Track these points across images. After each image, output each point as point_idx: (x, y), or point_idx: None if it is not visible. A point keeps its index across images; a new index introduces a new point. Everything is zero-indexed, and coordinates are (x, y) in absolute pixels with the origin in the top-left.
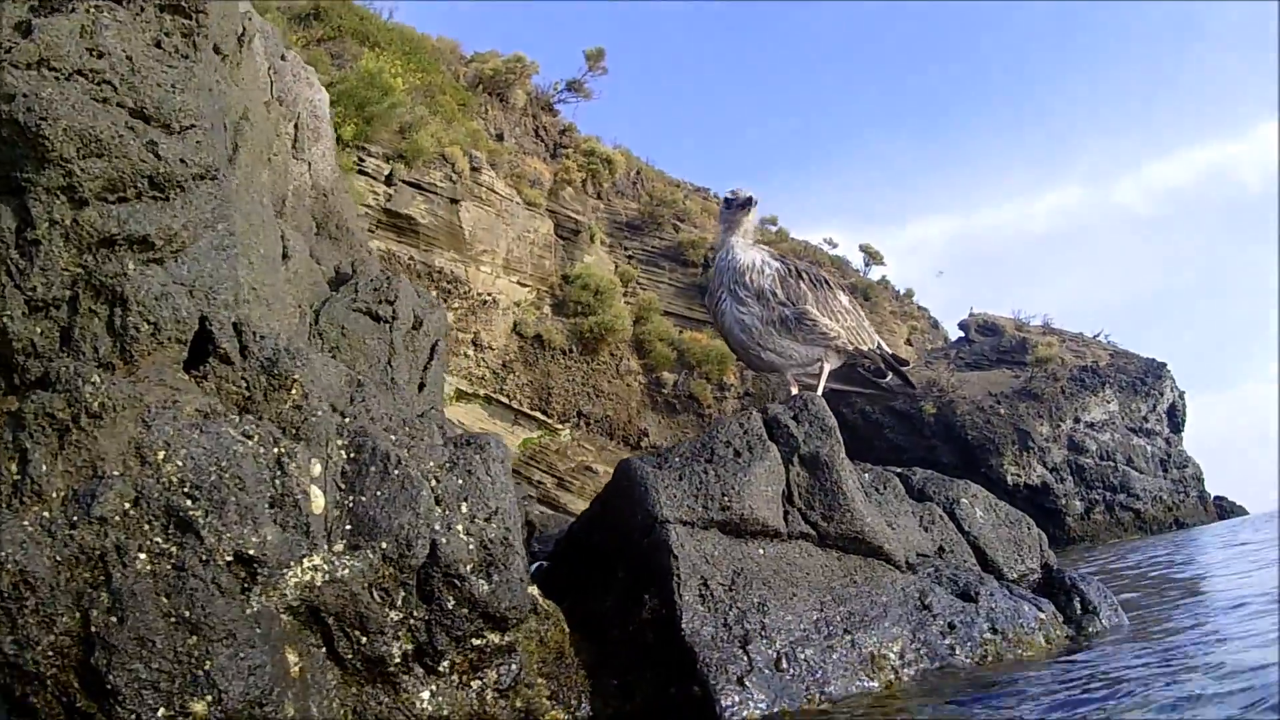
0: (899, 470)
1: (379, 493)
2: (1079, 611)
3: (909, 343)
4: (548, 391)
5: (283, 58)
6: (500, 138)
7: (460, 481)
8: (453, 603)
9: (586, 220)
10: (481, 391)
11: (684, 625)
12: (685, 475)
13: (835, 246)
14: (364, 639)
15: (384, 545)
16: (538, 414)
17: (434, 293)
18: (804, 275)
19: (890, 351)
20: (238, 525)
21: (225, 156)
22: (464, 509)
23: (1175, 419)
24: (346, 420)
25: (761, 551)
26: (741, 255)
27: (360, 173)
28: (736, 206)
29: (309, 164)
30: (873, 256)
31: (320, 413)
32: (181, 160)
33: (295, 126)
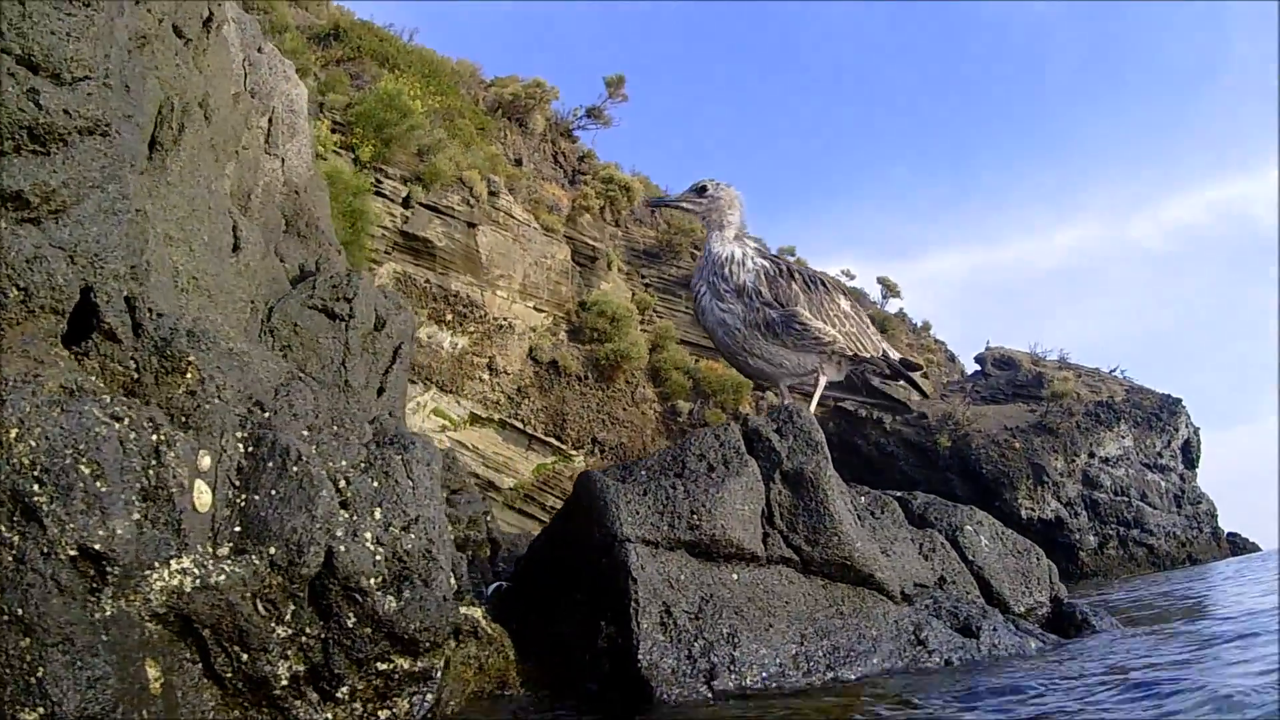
0: (899, 494)
1: (274, 492)
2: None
3: (925, 376)
4: (562, 417)
5: (260, 50)
6: (519, 163)
7: (375, 484)
8: (353, 620)
9: (604, 247)
10: (496, 416)
11: (641, 656)
12: (650, 491)
13: (853, 278)
14: (245, 656)
15: (272, 551)
16: (552, 440)
17: (450, 316)
18: (796, 275)
19: (899, 357)
20: (83, 516)
21: (124, 116)
22: (377, 515)
23: (1189, 455)
24: (265, 415)
25: (735, 577)
26: (719, 247)
27: (377, 194)
28: (694, 194)
29: (282, 160)
30: (890, 289)
31: (216, 401)
32: (65, 111)
33: (270, 121)
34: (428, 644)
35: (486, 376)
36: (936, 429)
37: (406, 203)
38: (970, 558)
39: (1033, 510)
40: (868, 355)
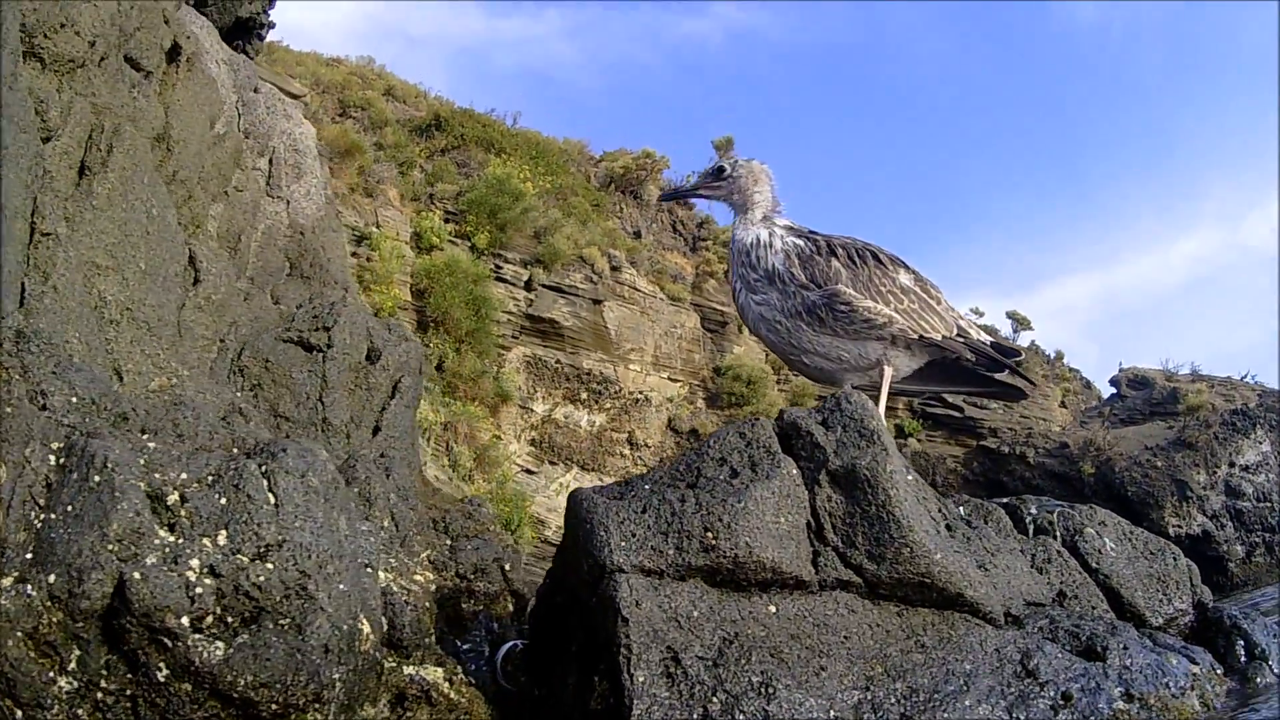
0: (1005, 500)
1: (69, 508)
2: (1243, 659)
3: (1063, 405)
4: None
5: (256, 90)
6: (638, 235)
7: (223, 501)
8: (165, 672)
9: (733, 310)
10: None
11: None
12: (652, 506)
13: (982, 315)
14: (19, 713)
15: (51, 579)
16: None
17: (585, 394)
18: (838, 250)
19: (985, 339)
20: None
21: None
22: (220, 539)
23: None
24: (98, 424)
25: (773, 610)
26: (742, 232)
27: (498, 279)
28: (710, 177)
29: (287, 201)
30: (1020, 322)
31: (27, 406)
32: None
33: (270, 162)
34: (276, 706)
35: (627, 451)
36: (1079, 456)
37: (529, 285)
38: (1094, 565)
39: (1179, 527)
40: (936, 336)
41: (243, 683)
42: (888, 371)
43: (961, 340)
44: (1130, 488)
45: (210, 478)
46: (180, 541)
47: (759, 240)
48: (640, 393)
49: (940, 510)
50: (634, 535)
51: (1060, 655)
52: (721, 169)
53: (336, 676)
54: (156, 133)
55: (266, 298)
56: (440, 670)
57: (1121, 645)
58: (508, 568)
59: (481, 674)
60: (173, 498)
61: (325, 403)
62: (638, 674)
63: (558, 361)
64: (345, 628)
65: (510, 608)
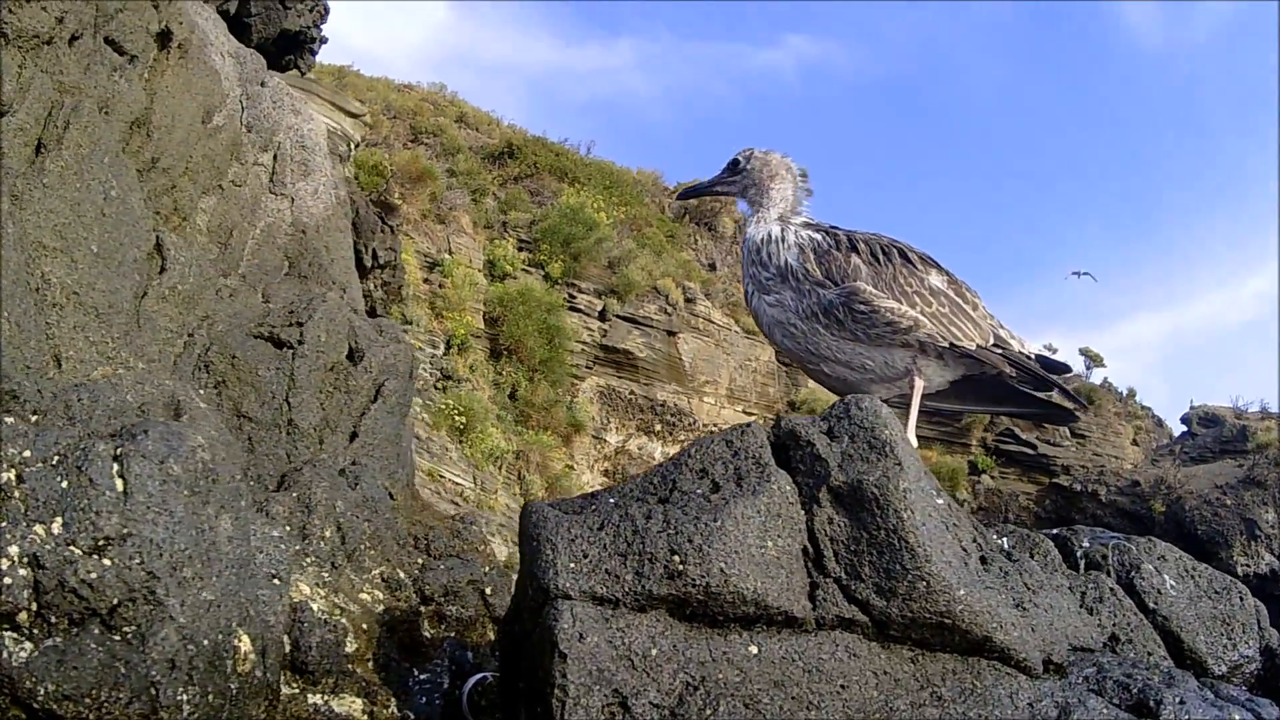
0: (1055, 531)
1: None
2: None
3: (1135, 443)
4: None
5: (262, 84)
6: (712, 267)
7: (63, 484)
8: None
9: None
10: None
11: None
12: (611, 523)
13: (1055, 352)
14: None
15: None
16: None
17: (659, 426)
18: (859, 245)
19: (1030, 351)
20: None
21: None
22: (55, 527)
23: None
24: None
25: (754, 651)
26: (755, 229)
27: (572, 309)
28: (726, 172)
29: (291, 199)
30: (1093, 359)
31: None
32: None
33: (275, 158)
34: None
35: None
36: (1150, 495)
37: (603, 316)
38: (1152, 605)
39: (1248, 566)
40: (969, 345)
41: (43, 692)
42: (918, 383)
43: (999, 351)
44: (1200, 526)
45: (56, 458)
46: (2, 525)
47: (770, 236)
48: (714, 425)
49: (976, 540)
50: (585, 556)
51: (1105, 711)
52: (736, 162)
53: (185, 698)
54: (134, 117)
55: (257, 296)
56: (360, 702)
57: (1178, 699)
58: (488, 591)
59: (433, 709)
60: (7, 476)
61: (292, 403)
62: None
63: (631, 392)
64: (207, 643)
65: (490, 635)
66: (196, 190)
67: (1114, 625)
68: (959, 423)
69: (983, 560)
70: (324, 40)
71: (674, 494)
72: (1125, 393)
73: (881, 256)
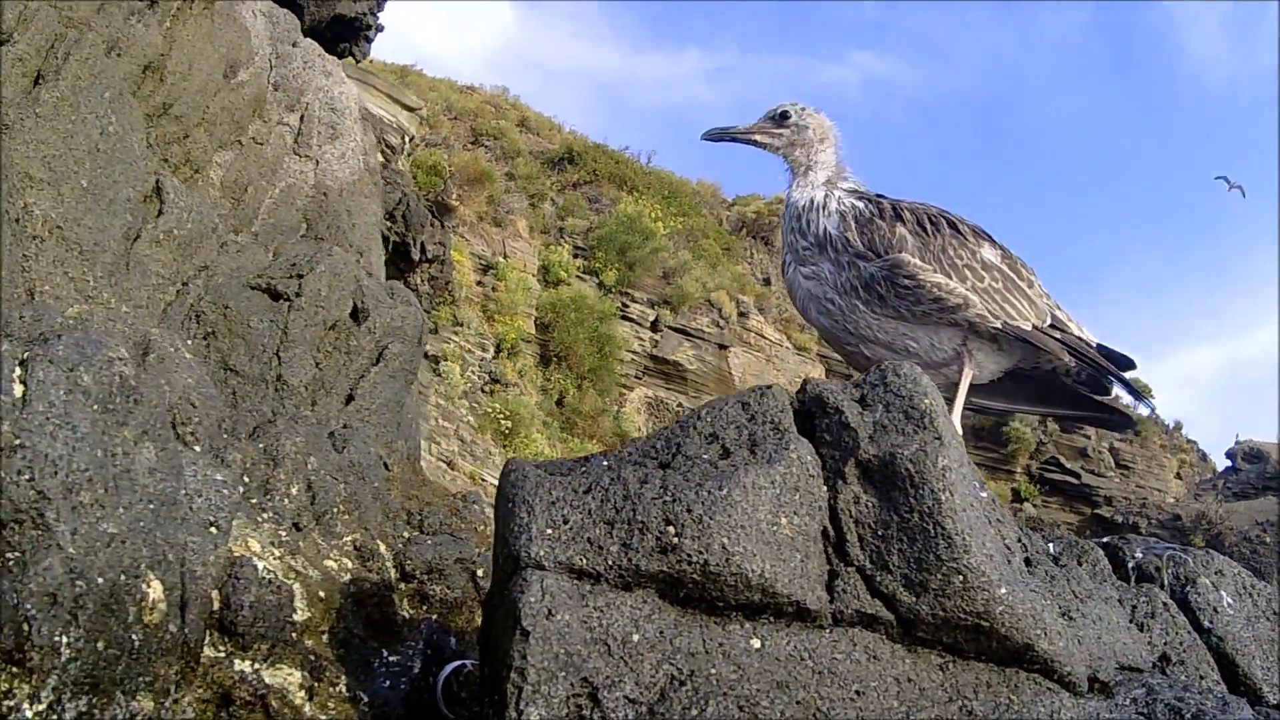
0: (1106, 540)
1: None
2: None
3: (1179, 476)
4: None
5: (294, 44)
6: (767, 282)
7: None
8: None
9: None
10: None
11: None
12: (600, 486)
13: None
14: None
15: None
16: None
17: None
18: (904, 214)
19: (1089, 339)
20: None
21: None
22: None
23: None
24: None
25: (756, 645)
26: (799, 193)
27: (624, 318)
28: (771, 122)
29: (316, 161)
30: (1142, 390)
31: None
32: None
33: (302, 119)
34: None
35: None
36: (1190, 529)
37: (655, 326)
38: (1207, 624)
39: None
40: (1025, 325)
41: None
42: (968, 370)
43: (1058, 336)
44: (1238, 563)
45: None
46: None
47: (813, 202)
48: None
49: (1021, 540)
50: (566, 522)
51: None
52: (786, 114)
53: (64, 640)
54: (148, 61)
55: (267, 254)
56: (300, 675)
57: None
58: (480, 573)
59: (395, 694)
60: None
61: (283, 358)
62: (529, 712)
63: (679, 404)
64: (102, 581)
65: (479, 621)
66: (212, 143)
67: (1165, 644)
68: (1004, 449)
69: (1027, 562)
70: (380, 29)
71: (677, 459)
72: (1172, 425)
73: (929, 226)
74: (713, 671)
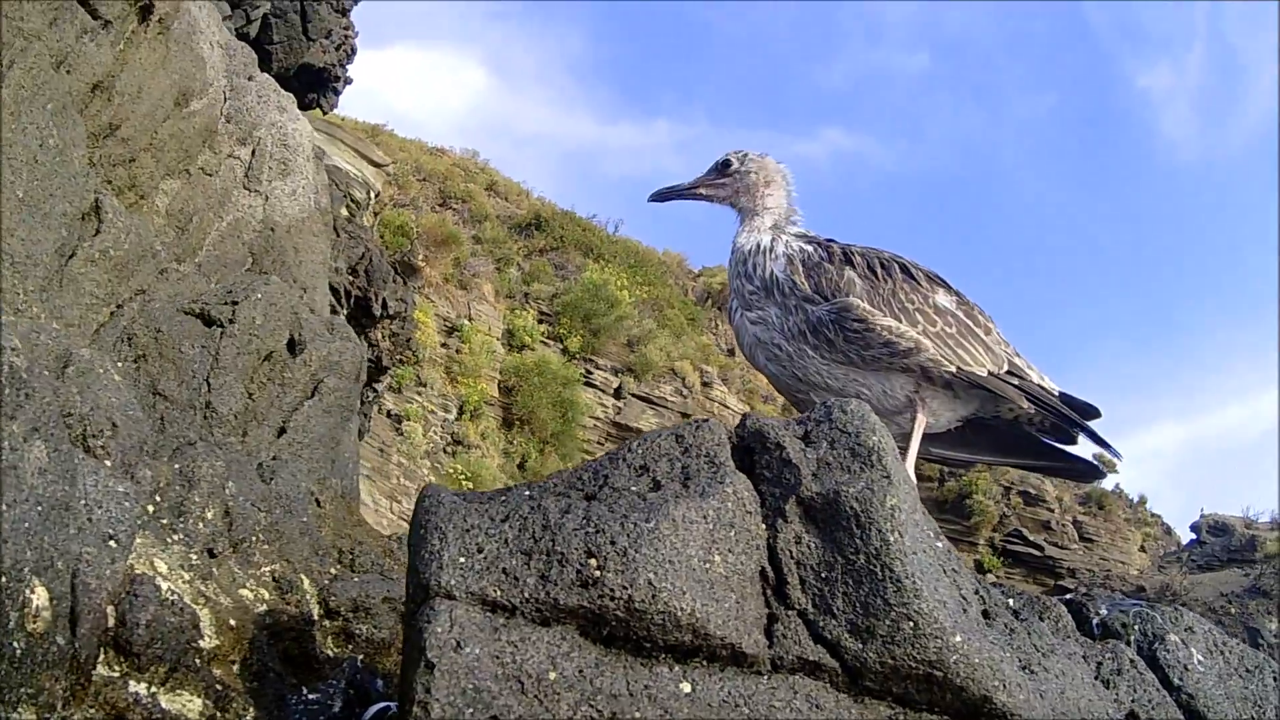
0: (1069, 597)
1: None
2: None
3: (1143, 549)
4: None
5: (250, 78)
6: (731, 353)
7: None
8: None
9: None
10: None
11: None
12: (518, 515)
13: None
14: None
15: None
16: None
17: None
18: (854, 258)
19: (1050, 387)
20: None
21: None
22: None
23: None
24: None
25: (685, 690)
26: (744, 238)
27: (587, 384)
28: (714, 174)
29: (265, 196)
30: (1106, 465)
31: None
32: None
33: (253, 154)
34: None
35: None
36: (1155, 601)
37: (618, 393)
38: (1177, 681)
39: None
40: (980, 371)
41: None
42: (920, 418)
43: (1016, 383)
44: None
45: None
46: None
47: (759, 246)
48: None
49: (979, 592)
50: (480, 550)
51: None
52: (728, 163)
53: None
54: (97, 80)
55: (210, 286)
56: (201, 703)
57: None
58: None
59: None
60: None
61: (212, 384)
62: None
63: None
64: None
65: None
66: (159, 170)
67: (1133, 701)
68: (967, 521)
69: (985, 614)
70: (349, 81)
71: (603, 490)
72: (1136, 499)
73: (880, 270)
74: (637, 715)
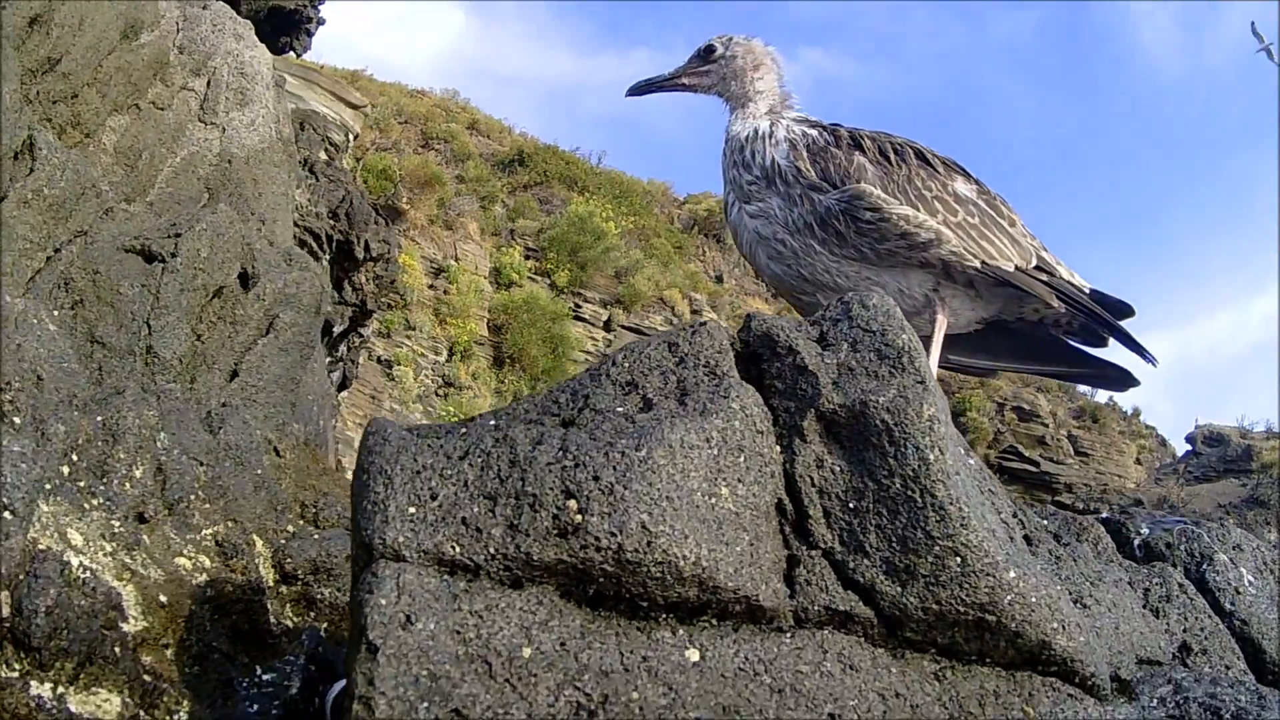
0: (1107, 516)
1: None
2: None
3: (1138, 462)
4: None
5: (205, 6)
6: (719, 279)
7: None
8: None
9: None
10: None
11: None
12: (479, 450)
13: None
14: None
15: None
16: None
17: None
18: (864, 142)
19: (1080, 284)
20: None
21: None
22: None
23: None
24: None
25: (693, 657)
26: (739, 126)
27: (577, 319)
28: (697, 61)
29: (222, 129)
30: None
31: None
32: None
33: (209, 84)
34: None
35: None
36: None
37: (608, 326)
38: (1228, 605)
39: None
40: (1007, 266)
41: None
42: (941, 318)
43: (1045, 279)
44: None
45: None
46: None
47: (757, 132)
48: None
49: (1016, 515)
50: (434, 497)
51: None
52: (712, 48)
53: None
54: (34, 14)
55: (159, 222)
56: (120, 701)
57: None
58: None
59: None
60: None
61: (154, 327)
62: None
63: None
64: None
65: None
66: (105, 106)
67: (1184, 631)
68: (964, 436)
69: (1027, 540)
70: (321, 21)
71: (583, 414)
72: (1130, 412)
73: (894, 156)
74: (634, 696)
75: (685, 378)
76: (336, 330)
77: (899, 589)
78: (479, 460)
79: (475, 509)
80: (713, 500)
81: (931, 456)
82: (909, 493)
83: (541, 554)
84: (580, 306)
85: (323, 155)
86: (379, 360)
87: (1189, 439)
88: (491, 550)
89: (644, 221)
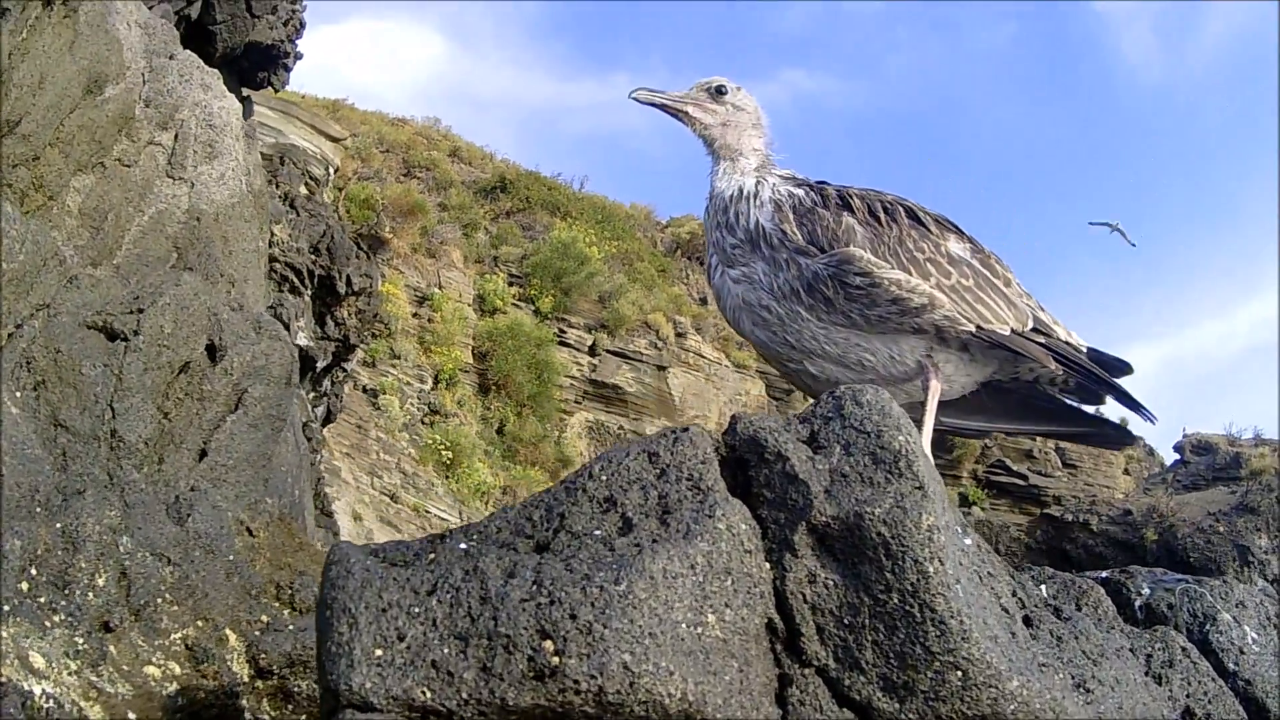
0: (1106, 575)
1: None
2: None
3: (1127, 472)
4: None
5: (171, 57)
6: (704, 301)
7: None
8: None
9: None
10: None
11: None
12: (449, 584)
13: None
14: None
15: None
16: None
17: None
18: (853, 202)
19: (1078, 343)
20: None
21: None
22: None
23: None
24: None
25: None
26: (724, 182)
27: (562, 344)
28: (708, 95)
29: (191, 184)
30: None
31: None
32: None
33: (176, 138)
34: None
35: None
36: (1142, 524)
37: (593, 350)
38: (1232, 666)
39: None
40: (1003, 329)
41: None
42: (934, 385)
43: (1042, 341)
44: (1193, 554)
45: None
46: None
47: (742, 191)
48: None
49: (1015, 593)
50: (401, 638)
51: None
52: (723, 89)
53: None
54: None
55: (126, 289)
56: None
57: None
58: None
59: None
60: None
61: (117, 409)
62: None
63: (620, 427)
64: None
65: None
66: (69, 166)
67: (1188, 696)
68: (950, 455)
69: (1027, 622)
70: (299, 56)
71: (559, 537)
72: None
73: (883, 216)
74: None
75: (667, 493)
76: (320, 366)
77: (897, 705)
78: (448, 596)
79: (446, 650)
80: (699, 630)
81: (931, 569)
82: (907, 607)
83: (518, 699)
84: (565, 332)
85: (303, 190)
86: (364, 389)
87: (1177, 448)
88: (465, 695)
89: (627, 246)
